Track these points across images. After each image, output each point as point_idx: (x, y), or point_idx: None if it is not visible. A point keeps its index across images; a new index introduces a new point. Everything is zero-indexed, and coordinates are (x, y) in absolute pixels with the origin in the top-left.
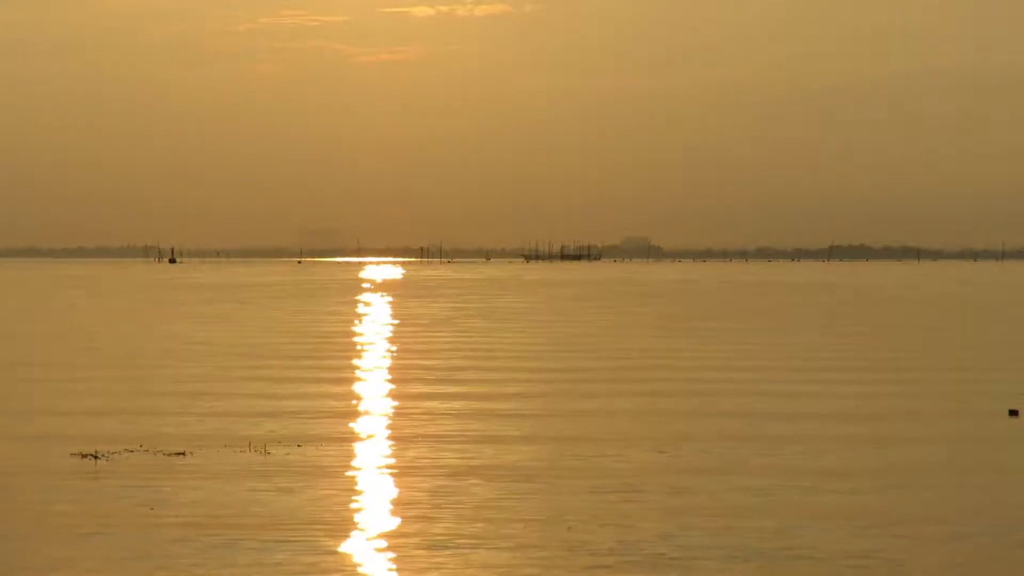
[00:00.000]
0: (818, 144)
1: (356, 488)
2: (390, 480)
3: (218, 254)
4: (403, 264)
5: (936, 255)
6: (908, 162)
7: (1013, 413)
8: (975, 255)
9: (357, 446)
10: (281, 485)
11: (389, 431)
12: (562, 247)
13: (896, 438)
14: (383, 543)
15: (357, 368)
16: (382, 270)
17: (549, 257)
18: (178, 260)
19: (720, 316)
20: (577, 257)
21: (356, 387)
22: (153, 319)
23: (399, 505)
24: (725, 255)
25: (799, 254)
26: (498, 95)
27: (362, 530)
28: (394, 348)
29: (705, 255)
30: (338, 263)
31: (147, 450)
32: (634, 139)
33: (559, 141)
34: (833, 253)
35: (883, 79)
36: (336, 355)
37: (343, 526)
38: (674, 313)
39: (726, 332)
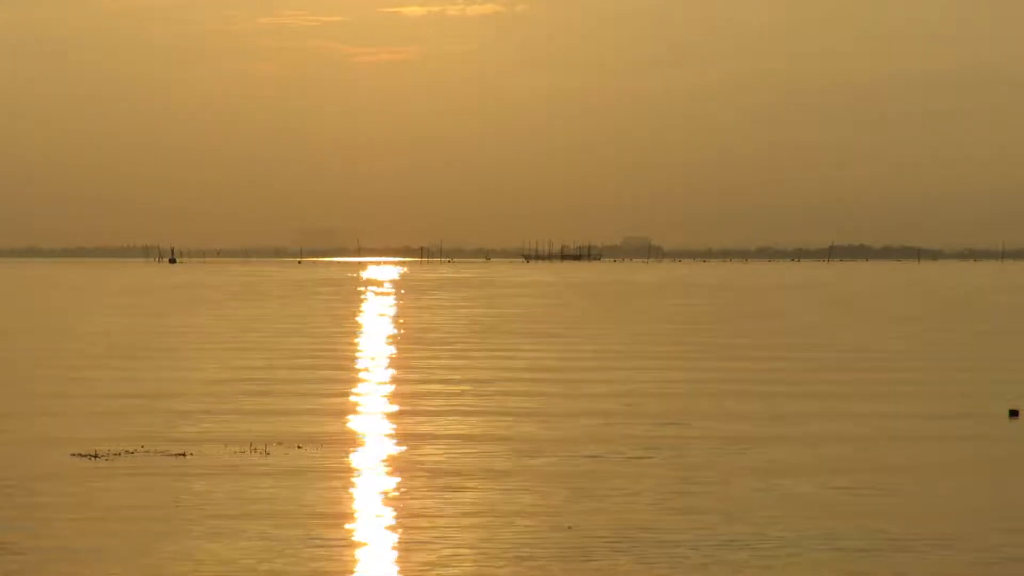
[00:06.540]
0: (818, 144)
1: (357, 488)
2: (390, 480)
3: (218, 254)
4: (403, 264)
5: (936, 255)
6: (908, 162)
7: (1013, 414)
8: (975, 255)
9: (358, 446)
10: (282, 485)
11: (391, 431)
12: (562, 247)
13: (895, 438)
14: (384, 543)
15: (359, 368)
16: (382, 270)
17: (549, 257)
18: (178, 260)
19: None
20: (577, 257)
21: (357, 387)
22: (153, 319)
23: (399, 504)
24: (725, 255)
25: (799, 254)
26: (498, 95)
27: (363, 530)
28: (395, 348)
29: (705, 255)
30: (338, 263)
31: (147, 450)
32: (634, 139)
33: (559, 141)
34: (833, 253)
35: (884, 79)
36: (337, 355)
37: (344, 526)
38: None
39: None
